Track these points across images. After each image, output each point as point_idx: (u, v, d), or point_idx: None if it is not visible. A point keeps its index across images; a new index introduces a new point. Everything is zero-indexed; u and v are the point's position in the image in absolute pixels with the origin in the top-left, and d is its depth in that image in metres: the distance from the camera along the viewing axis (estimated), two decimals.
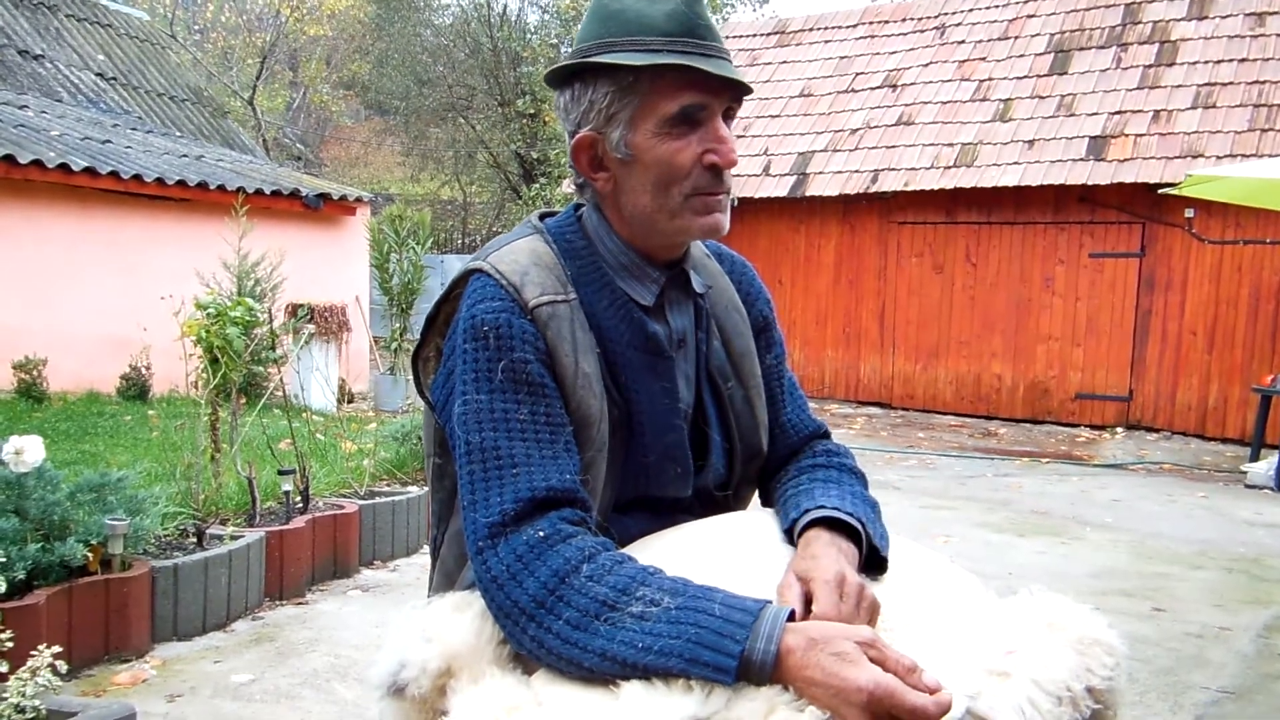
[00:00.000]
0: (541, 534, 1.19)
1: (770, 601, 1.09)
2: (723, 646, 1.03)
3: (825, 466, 1.50)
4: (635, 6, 1.31)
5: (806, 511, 1.32)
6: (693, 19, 1.31)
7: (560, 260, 1.38)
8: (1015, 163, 10.38)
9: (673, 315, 1.43)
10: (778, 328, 1.63)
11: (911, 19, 12.93)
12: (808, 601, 1.15)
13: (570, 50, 1.38)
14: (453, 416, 1.31)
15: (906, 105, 11.77)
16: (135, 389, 8.88)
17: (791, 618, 1.07)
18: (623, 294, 1.38)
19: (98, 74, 13.16)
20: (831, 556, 1.21)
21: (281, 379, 5.71)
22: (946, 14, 12.65)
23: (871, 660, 1.02)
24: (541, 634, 1.13)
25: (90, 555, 3.28)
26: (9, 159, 8.30)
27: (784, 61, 13.38)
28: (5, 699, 2.21)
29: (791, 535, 1.32)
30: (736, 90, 1.33)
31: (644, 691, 1.05)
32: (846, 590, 1.16)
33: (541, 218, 1.47)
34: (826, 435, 1.61)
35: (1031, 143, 10.49)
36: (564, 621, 1.12)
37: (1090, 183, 9.80)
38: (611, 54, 1.30)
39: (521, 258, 1.36)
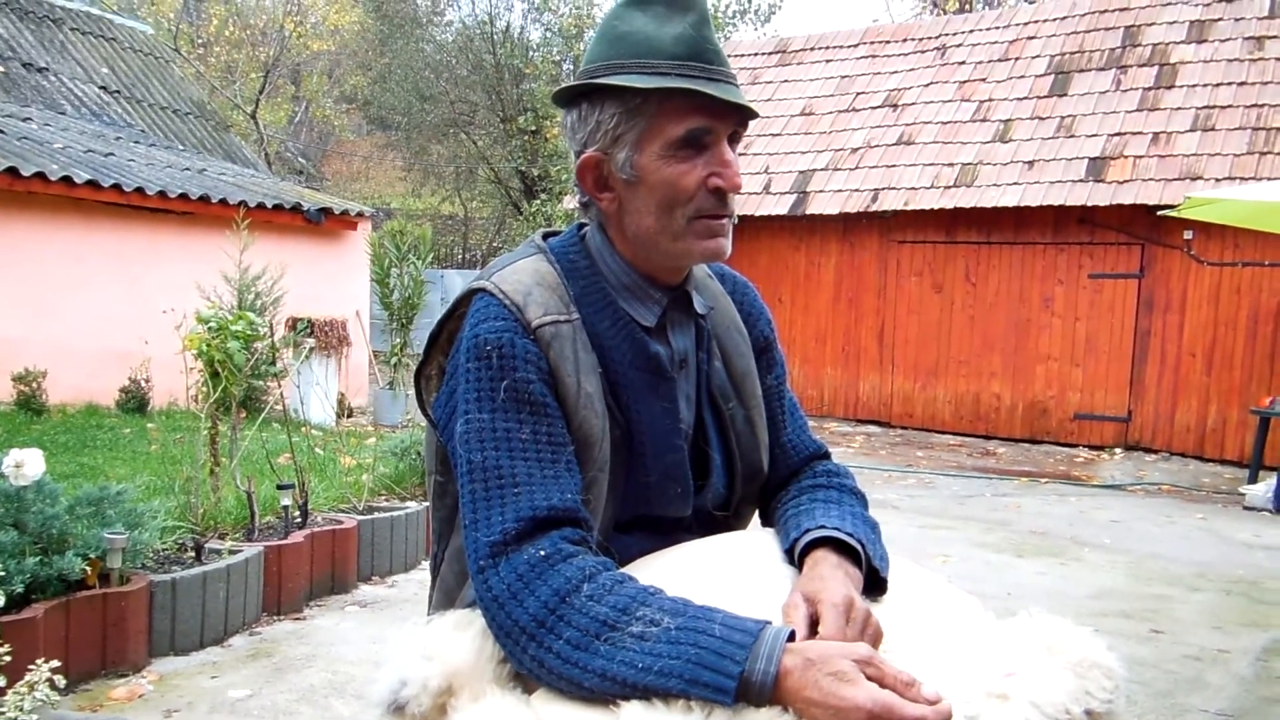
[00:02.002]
0: (542, 553, 1.19)
1: (770, 622, 1.09)
2: (722, 667, 1.04)
3: (826, 487, 1.51)
4: (644, 30, 1.32)
5: (807, 531, 1.33)
6: (700, 43, 1.32)
7: (563, 280, 1.39)
8: (1015, 183, 10.42)
9: (675, 336, 1.44)
10: (779, 348, 1.63)
11: (912, 39, 12.99)
12: (814, 623, 1.15)
13: (578, 70, 1.39)
14: (455, 435, 1.31)
15: (907, 125, 11.82)
16: (134, 402, 8.88)
17: (791, 638, 1.07)
18: (625, 314, 1.39)
19: (101, 87, 13.22)
20: (839, 579, 1.21)
21: (281, 393, 5.71)
22: (947, 35, 12.72)
23: (870, 678, 1.02)
24: (542, 653, 1.13)
25: (88, 569, 3.28)
26: (12, 171, 8.32)
27: (785, 80, 13.43)
28: (3, 713, 2.21)
29: (792, 555, 1.33)
30: (742, 114, 1.34)
31: (644, 712, 1.05)
32: (854, 615, 1.16)
33: (545, 237, 1.48)
34: (827, 456, 1.62)
35: (1031, 163, 10.53)
36: (564, 641, 1.12)
37: (1090, 204, 9.83)
38: (619, 76, 1.31)
39: (525, 278, 1.36)
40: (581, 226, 1.47)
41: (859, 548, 1.30)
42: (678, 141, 1.31)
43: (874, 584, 1.31)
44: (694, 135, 1.32)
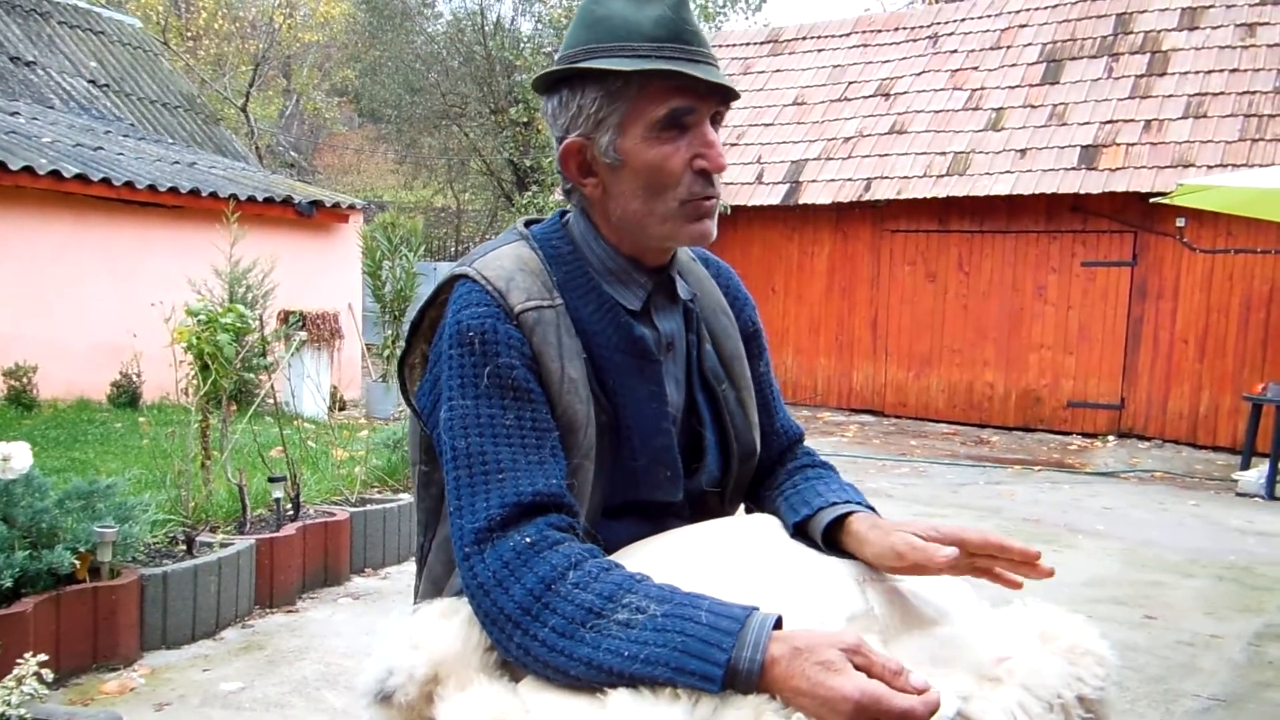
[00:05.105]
0: (528, 540, 1.18)
1: (757, 608, 1.08)
2: (709, 655, 1.03)
3: (813, 466, 1.57)
4: (622, 13, 1.31)
5: (834, 505, 1.37)
6: (679, 24, 1.31)
7: (546, 266, 1.38)
8: (1007, 171, 10.41)
9: (660, 319, 1.43)
10: (764, 334, 1.64)
11: (904, 28, 12.98)
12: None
13: (558, 56, 1.38)
14: (439, 423, 1.30)
15: (899, 114, 11.81)
16: (126, 396, 8.86)
17: (778, 625, 1.06)
18: (609, 299, 1.38)
19: (90, 81, 13.15)
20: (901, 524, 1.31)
21: (273, 386, 5.69)
22: (939, 23, 12.70)
23: (857, 666, 1.01)
24: (528, 641, 1.12)
25: (78, 563, 3.26)
26: (0, 165, 8.27)
27: (777, 70, 13.41)
28: None
29: (803, 528, 1.37)
30: (724, 95, 1.33)
31: (631, 699, 1.04)
32: (945, 531, 1.27)
33: (527, 224, 1.47)
34: (803, 437, 1.67)
35: (1023, 152, 10.52)
36: (550, 629, 1.11)
37: (1082, 192, 9.83)
38: (599, 60, 1.30)
39: (507, 263, 1.35)
40: (564, 214, 1.47)
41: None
42: (660, 122, 1.31)
43: None
44: (676, 115, 1.31)
